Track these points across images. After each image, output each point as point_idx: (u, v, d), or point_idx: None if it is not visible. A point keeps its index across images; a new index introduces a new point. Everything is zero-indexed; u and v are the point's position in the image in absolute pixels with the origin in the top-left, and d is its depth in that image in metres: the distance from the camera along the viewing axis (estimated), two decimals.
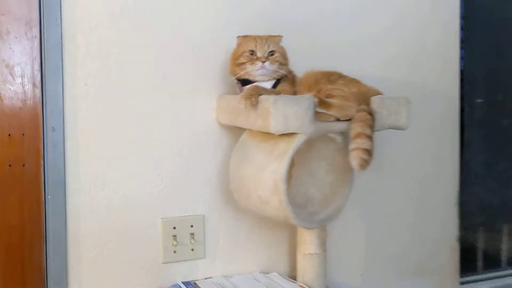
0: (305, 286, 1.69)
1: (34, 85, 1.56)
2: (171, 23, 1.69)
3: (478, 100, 2.24)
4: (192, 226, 1.74)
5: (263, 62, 1.57)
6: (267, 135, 1.55)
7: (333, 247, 1.85)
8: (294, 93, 1.63)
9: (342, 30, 1.94)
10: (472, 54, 2.21)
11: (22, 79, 1.54)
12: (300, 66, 1.69)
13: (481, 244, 2.49)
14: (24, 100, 1.55)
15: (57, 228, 1.58)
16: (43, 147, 1.57)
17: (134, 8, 1.64)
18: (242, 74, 1.60)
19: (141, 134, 1.67)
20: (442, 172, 2.18)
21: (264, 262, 1.87)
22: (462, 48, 2.18)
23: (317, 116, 1.50)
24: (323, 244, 1.74)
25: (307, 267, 1.73)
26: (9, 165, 1.55)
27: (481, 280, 2.39)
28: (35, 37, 1.55)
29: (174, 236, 1.71)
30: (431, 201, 2.16)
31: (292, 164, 1.60)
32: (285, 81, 1.65)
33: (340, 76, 1.65)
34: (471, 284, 2.35)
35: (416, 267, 2.17)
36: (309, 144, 1.62)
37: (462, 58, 2.18)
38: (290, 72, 1.67)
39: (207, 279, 1.75)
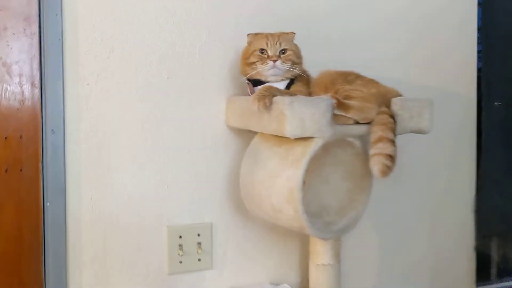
0: None
1: (33, 84, 1.53)
2: (177, 19, 1.66)
3: (496, 103, 2.17)
4: (199, 235, 1.70)
5: (274, 61, 1.52)
6: (281, 139, 1.50)
7: (345, 257, 1.78)
8: (309, 94, 1.58)
9: (351, 25, 1.90)
10: (490, 54, 2.16)
11: (20, 78, 1.51)
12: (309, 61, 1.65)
13: (497, 252, 2.41)
14: (22, 100, 1.52)
15: (56, 237, 1.55)
16: (42, 151, 1.53)
17: (138, 4, 1.61)
18: (253, 74, 1.55)
19: (146, 138, 1.64)
20: (458, 178, 2.14)
21: (274, 273, 1.82)
22: (479, 48, 2.15)
23: (334, 118, 1.44)
24: (337, 255, 1.67)
25: (320, 278, 1.66)
26: (6, 170, 1.51)
27: None
28: (34, 33, 1.52)
29: (180, 245, 1.68)
30: (446, 208, 2.12)
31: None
32: (299, 81, 1.59)
33: (358, 76, 1.59)
34: None
35: (431, 278, 2.11)
36: (324, 148, 1.55)
37: (479, 58, 2.15)
38: (304, 71, 1.61)
39: None
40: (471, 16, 2.11)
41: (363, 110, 1.47)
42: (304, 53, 1.62)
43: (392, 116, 1.48)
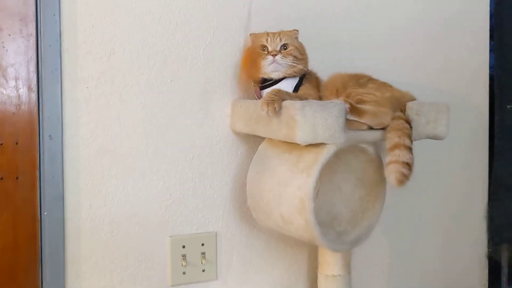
0: None
1: (29, 88, 1.50)
2: (181, 19, 1.63)
3: (509, 106, 2.12)
4: (203, 244, 1.68)
5: (274, 55, 1.50)
6: (291, 145, 1.46)
7: (354, 267, 1.77)
8: (319, 99, 1.55)
9: (360, 26, 1.88)
10: (503, 58, 2.12)
11: (16, 81, 1.49)
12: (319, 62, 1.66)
13: (508, 259, 2.36)
14: (18, 105, 1.49)
15: (54, 248, 1.52)
16: (39, 157, 1.51)
17: (140, 4, 1.58)
18: (256, 72, 1.54)
19: (148, 143, 1.61)
20: (470, 184, 2.11)
21: (281, 284, 1.80)
22: (491, 51, 2.12)
23: (347, 124, 1.40)
24: (347, 265, 1.63)
25: None
26: (1, 178, 1.49)
27: None
28: (31, 34, 1.49)
29: (184, 255, 1.65)
30: (458, 214, 2.10)
31: None
32: (308, 83, 1.56)
33: (370, 79, 1.56)
34: None
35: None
36: (335, 154, 1.51)
37: (491, 62, 2.12)
38: (312, 73, 1.60)
39: None
40: (483, 20, 2.09)
41: (377, 115, 1.44)
42: (312, 54, 1.60)
43: (408, 122, 1.46)
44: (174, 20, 1.61)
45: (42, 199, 1.51)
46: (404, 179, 1.37)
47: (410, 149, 1.39)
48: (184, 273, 1.65)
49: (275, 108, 1.38)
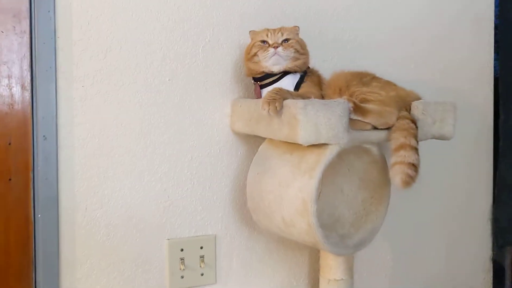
0: None
1: (23, 87, 1.49)
2: (180, 16, 1.62)
3: None
4: (202, 247, 1.67)
5: (276, 47, 1.49)
6: (293, 146, 1.44)
7: (357, 271, 1.77)
8: (321, 97, 1.53)
9: (363, 25, 1.87)
10: (508, 58, 2.10)
11: (9, 80, 1.47)
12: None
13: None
14: (11, 104, 1.48)
15: (48, 252, 1.51)
16: (33, 159, 1.50)
17: (138, 0, 1.58)
18: (255, 67, 1.52)
19: (145, 144, 1.60)
20: (475, 186, 2.11)
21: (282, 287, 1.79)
22: (496, 50, 2.10)
23: (351, 124, 1.38)
24: (350, 269, 1.62)
25: None
26: None
27: None
28: (25, 31, 1.48)
29: (182, 259, 1.64)
30: (462, 217, 2.09)
31: None
32: (309, 81, 1.54)
33: (374, 77, 1.54)
34: None
35: None
36: (338, 155, 1.48)
37: (496, 62, 2.11)
38: (314, 71, 1.59)
39: None
40: (488, 19, 2.09)
41: (382, 115, 1.41)
42: (314, 53, 1.60)
43: (414, 121, 1.43)
44: (172, 17, 1.60)
45: (35, 201, 1.50)
46: (410, 180, 1.34)
47: (416, 149, 1.37)
48: (182, 277, 1.64)
49: (276, 107, 1.36)
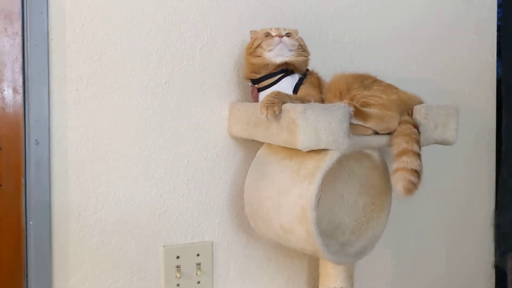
0: None
1: (14, 90, 1.48)
2: (176, 18, 1.61)
3: None
4: (198, 255, 1.66)
5: (281, 36, 1.49)
6: (291, 151, 1.43)
7: (357, 278, 1.76)
8: (321, 100, 1.52)
9: (363, 26, 1.86)
10: (510, 60, 2.10)
11: (0, 83, 1.46)
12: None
13: None
14: (3, 108, 1.46)
15: (40, 259, 1.50)
16: (25, 164, 1.49)
17: (133, 1, 1.56)
18: (258, 61, 1.51)
19: (140, 148, 1.59)
20: (477, 191, 2.11)
21: None
22: (499, 52, 2.10)
23: (351, 128, 1.36)
24: (350, 277, 1.60)
25: None
26: None
27: None
28: (17, 33, 1.47)
29: (178, 266, 1.63)
30: (464, 222, 2.09)
31: None
32: (308, 83, 1.53)
33: (375, 80, 1.53)
34: None
35: None
36: (338, 160, 1.46)
37: (498, 64, 2.11)
38: (313, 73, 1.58)
39: None
40: (490, 21, 2.10)
41: (383, 119, 1.40)
42: (314, 54, 1.59)
43: (416, 126, 1.41)
44: (169, 18, 1.59)
45: (27, 208, 1.49)
46: (412, 187, 1.32)
47: (418, 155, 1.35)
48: (178, 285, 1.63)
49: (274, 111, 1.35)
